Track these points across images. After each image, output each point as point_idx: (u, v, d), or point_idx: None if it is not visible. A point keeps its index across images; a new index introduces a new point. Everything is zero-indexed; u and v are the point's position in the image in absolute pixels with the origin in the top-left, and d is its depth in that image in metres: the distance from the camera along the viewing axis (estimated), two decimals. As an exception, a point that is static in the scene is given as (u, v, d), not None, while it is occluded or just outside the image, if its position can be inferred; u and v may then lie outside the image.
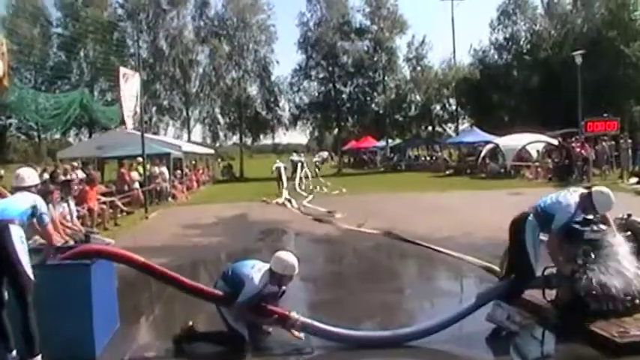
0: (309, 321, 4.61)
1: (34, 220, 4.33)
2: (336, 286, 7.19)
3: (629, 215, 5.08)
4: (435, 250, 8.32)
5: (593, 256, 4.62)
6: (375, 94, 39.35)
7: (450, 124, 42.32)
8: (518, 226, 4.82)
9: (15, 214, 4.10)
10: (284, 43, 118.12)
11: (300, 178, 22.72)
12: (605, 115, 22.29)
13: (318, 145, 68.85)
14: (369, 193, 19.20)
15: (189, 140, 36.24)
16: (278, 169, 21.85)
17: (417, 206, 14.64)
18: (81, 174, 14.30)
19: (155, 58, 36.82)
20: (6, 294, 4.04)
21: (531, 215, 4.78)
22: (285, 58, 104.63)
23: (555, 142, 23.71)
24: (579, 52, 20.94)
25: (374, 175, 33.93)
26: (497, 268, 6.52)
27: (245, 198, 18.86)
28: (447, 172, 29.94)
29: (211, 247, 10.18)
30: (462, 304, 5.37)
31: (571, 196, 4.68)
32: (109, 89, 34.75)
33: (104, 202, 12.94)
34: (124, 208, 14.58)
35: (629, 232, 4.87)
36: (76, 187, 11.67)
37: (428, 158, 41.29)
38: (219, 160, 40.98)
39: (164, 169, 19.89)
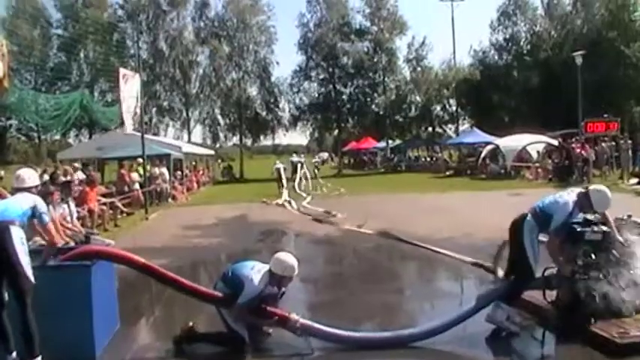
0: (309, 322, 4.61)
1: (35, 220, 4.33)
2: (336, 287, 7.18)
3: (630, 216, 5.08)
4: (431, 250, 8.35)
5: (593, 257, 4.63)
6: (375, 95, 39.36)
7: (450, 125, 42.36)
8: (517, 227, 4.83)
9: (15, 215, 4.10)
10: (284, 44, 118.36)
11: (300, 179, 22.74)
12: (605, 115, 22.27)
13: (319, 146, 68.98)
14: (370, 194, 19.21)
15: (189, 141, 36.27)
16: (278, 169, 21.91)
17: (418, 207, 14.64)
18: (81, 175, 14.30)
19: (155, 59, 36.85)
20: (6, 295, 4.04)
21: (529, 216, 4.79)
22: (285, 59, 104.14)
23: (555, 142, 23.71)
24: (579, 52, 20.93)
25: (374, 176, 33.94)
26: (489, 264, 6.69)
27: (245, 199, 18.86)
28: (447, 173, 29.95)
29: (211, 248, 10.18)
30: (462, 304, 5.39)
31: (569, 195, 4.69)
32: (109, 90, 34.81)
33: (104, 203, 12.94)
34: (124, 209, 14.59)
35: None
36: (76, 188, 11.68)
37: (428, 159, 41.31)
38: (220, 161, 41.00)
39: (164, 170, 19.90)
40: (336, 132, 43.23)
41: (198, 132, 48.35)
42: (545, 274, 4.82)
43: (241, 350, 4.45)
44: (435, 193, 18.45)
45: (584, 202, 4.61)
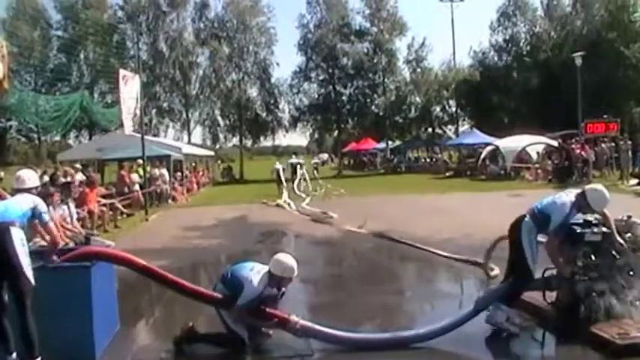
0: (309, 324, 4.60)
1: (36, 221, 4.33)
2: (336, 288, 7.18)
3: (630, 217, 5.08)
4: (426, 250, 8.40)
5: (593, 258, 4.63)
6: (375, 95, 39.38)
7: (450, 126, 42.38)
8: (515, 228, 4.84)
9: (15, 216, 4.10)
10: (284, 45, 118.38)
11: (299, 180, 22.78)
12: (604, 116, 22.28)
13: (318, 147, 68.96)
14: (369, 195, 19.21)
15: (189, 142, 36.28)
16: (277, 170, 21.96)
17: (417, 208, 14.64)
18: (81, 176, 14.30)
19: (155, 60, 36.87)
20: (6, 297, 4.03)
21: (528, 217, 4.80)
22: (285, 60, 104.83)
23: (555, 143, 23.71)
24: (579, 53, 20.96)
25: (374, 177, 33.95)
26: (475, 259, 6.84)
27: (245, 200, 18.86)
28: (447, 174, 29.94)
29: (211, 249, 10.17)
30: (462, 305, 5.39)
31: (567, 197, 4.70)
32: (109, 91, 34.85)
33: (104, 205, 12.94)
34: (124, 210, 14.59)
35: (629, 234, 4.87)
36: (75, 190, 11.67)
37: (428, 160, 41.31)
38: (219, 162, 41.01)
39: (164, 171, 19.90)
40: (335, 133, 43.20)
41: (198, 133, 48.43)
42: (545, 275, 4.82)
43: (241, 351, 4.45)
44: (434, 194, 18.45)
45: (582, 202, 4.62)
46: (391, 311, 5.94)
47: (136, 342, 5.04)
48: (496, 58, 40.56)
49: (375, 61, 38.84)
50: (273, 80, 39.20)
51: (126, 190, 16.38)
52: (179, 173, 23.35)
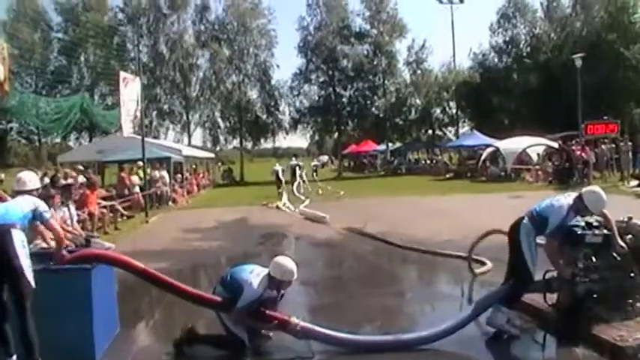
0: (309, 325, 4.60)
1: (37, 222, 4.32)
2: (336, 289, 7.17)
3: (630, 218, 5.07)
4: (403, 247, 8.58)
5: (594, 259, 4.62)
6: (375, 97, 39.37)
7: (450, 128, 42.42)
8: (514, 230, 4.84)
9: (16, 218, 4.10)
10: (284, 47, 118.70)
11: (299, 182, 22.80)
12: (605, 117, 22.26)
13: (319, 148, 68.93)
14: (369, 197, 19.20)
15: (189, 144, 36.30)
16: (276, 172, 21.99)
17: (418, 210, 14.64)
18: (81, 178, 14.30)
19: (155, 63, 36.91)
20: (7, 299, 4.03)
21: (526, 219, 4.81)
22: (286, 62, 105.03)
23: (555, 145, 23.69)
24: (579, 55, 20.97)
25: (374, 179, 33.95)
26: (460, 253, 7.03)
27: (245, 202, 18.87)
28: (448, 176, 29.92)
29: (211, 251, 10.17)
30: (462, 307, 5.38)
31: (565, 199, 4.71)
32: (109, 93, 34.83)
33: (104, 207, 12.95)
34: (125, 212, 14.60)
35: (629, 235, 4.86)
36: (76, 192, 11.67)
37: (428, 162, 41.24)
38: (220, 164, 40.99)
39: (164, 173, 19.89)
40: (336, 135, 43.19)
41: (198, 135, 48.56)
42: (546, 277, 4.81)
43: (241, 353, 4.45)
44: (434, 196, 18.45)
45: (579, 204, 4.63)
46: (391, 313, 5.93)
47: (136, 344, 5.03)
48: (496, 60, 40.57)
49: (375, 63, 38.86)
50: (273, 82, 39.30)
51: (126, 192, 16.37)
52: (179, 175, 23.36)
